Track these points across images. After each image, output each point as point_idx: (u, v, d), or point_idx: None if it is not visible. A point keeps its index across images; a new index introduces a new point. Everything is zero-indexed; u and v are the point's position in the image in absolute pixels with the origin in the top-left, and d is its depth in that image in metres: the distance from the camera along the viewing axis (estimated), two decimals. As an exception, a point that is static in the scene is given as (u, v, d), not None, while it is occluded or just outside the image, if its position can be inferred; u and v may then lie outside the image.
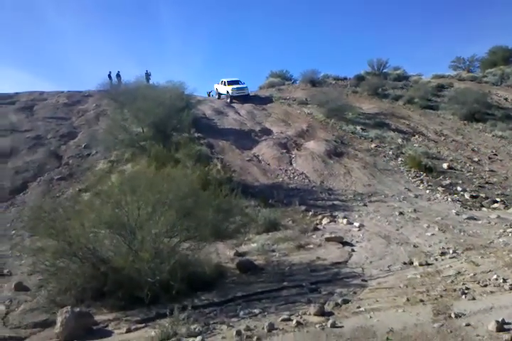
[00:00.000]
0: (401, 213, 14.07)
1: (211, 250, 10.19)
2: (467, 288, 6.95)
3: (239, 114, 29.91)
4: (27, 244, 12.07)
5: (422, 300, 6.58)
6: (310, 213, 14.84)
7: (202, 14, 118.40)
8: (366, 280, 8.25)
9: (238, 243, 11.56)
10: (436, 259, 9.32)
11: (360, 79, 39.94)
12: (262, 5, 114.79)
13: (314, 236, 12.16)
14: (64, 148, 23.64)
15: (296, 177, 19.50)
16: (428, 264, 8.95)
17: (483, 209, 14.96)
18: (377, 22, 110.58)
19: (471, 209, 14.78)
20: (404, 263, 9.23)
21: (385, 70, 42.25)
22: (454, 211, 14.16)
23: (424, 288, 7.24)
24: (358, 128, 26.78)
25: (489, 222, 12.55)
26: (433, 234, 11.42)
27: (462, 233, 11.41)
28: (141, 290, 7.85)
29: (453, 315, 5.88)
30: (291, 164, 21.36)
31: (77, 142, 24.38)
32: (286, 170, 20.36)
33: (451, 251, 9.73)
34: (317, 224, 13.58)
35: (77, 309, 7.17)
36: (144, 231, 8.68)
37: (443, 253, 9.68)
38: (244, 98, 32.35)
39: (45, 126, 26.16)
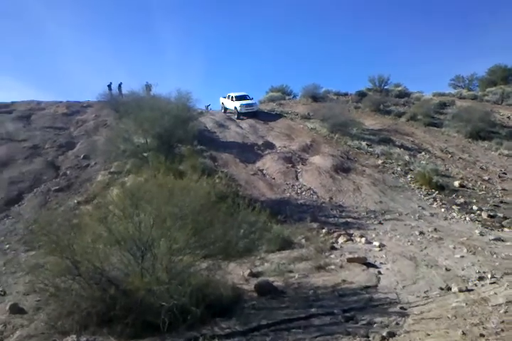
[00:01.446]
0: (421, 233, 13.34)
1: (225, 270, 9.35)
2: (528, 320, 6.19)
3: (241, 127, 29.34)
4: (22, 259, 11.19)
5: (482, 335, 5.79)
6: (323, 231, 14.07)
7: (200, 26, 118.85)
8: (405, 309, 7.44)
9: (250, 262, 10.74)
10: (476, 285, 8.55)
11: (361, 95, 39.81)
12: (262, 18, 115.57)
13: (333, 256, 11.35)
14: (62, 158, 22.76)
15: (303, 193, 18.77)
16: (468, 290, 8.19)
17: (505, 229, 14.29)
18: (377, 39, 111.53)
19: (492, 230, 14.10)
20: (441, 289, 8.45)
21: (386, 87, 42.11)
22: (477, 231, 13.46)
23: (477, 320, 6.46)
24: (363, 143, 26.26)
25: (518, 244, 11.88)
26: (463, 256, 10.67)
27: (494, 255, 10.68)
28: (154, 316, 7.01)
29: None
30: (297, 179, 20.67)
31: (76, 152, 23.52)
32: (292, 185, 19.65)
33: (489, 276, 8.97)
34: (333, 243, 12.79)
35: (84, 339, 6.28)
36: (158, 249, 7.86)
37: (481, 278, 8.92)
38: (252, 114, 30.95)
39: (42, 135, 25.31)
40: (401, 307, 7.50)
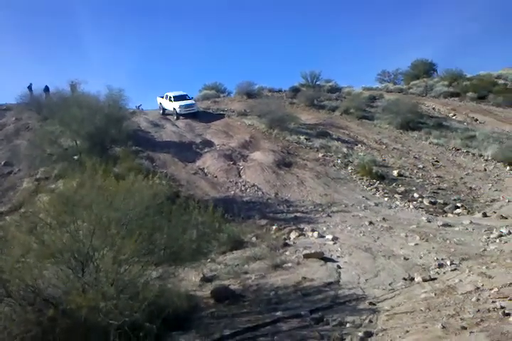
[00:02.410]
0: (371, 223, 13.27)
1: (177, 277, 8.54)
2: (502, 307, 6.01)
3: (177, 126, 28.26)
4: None
5: (464, 328, 5.51)
6: (273, 227, 13.61)
7: (128, 25, 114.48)
8: (375, 304, 7.10)
9: (201, 266, 9.99)
10: (438, 273, 8.44)
11: (295, 90, 40.03)
12: (193, 15, 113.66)
13: (288, 253, 10.89)
14: (-21, 166, 20.51)
15: (248, 190, 18.24)
16: (432, 279, 8.04)
17: (449, 215, 14.63)
18: (306, 36, 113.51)
19: (437, 216, 14.38)
20: (405, 279, 8.25)
21: (318, 82, 42.66)
22: (423, 218, 13.64)
23: (452, 310, 6.22)
24: (302, 138, 26.24)
25: (466, 229, 12.08)
26: (417, 244, 10.64)
27: (448, 241, 10.75)
28: (102, 337, 6.10)
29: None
30: (240, 176, 20.10)
31: (-5, 159, 21.32)
32: (236, 183, 19.05)
33: (448, 263, 8.93)
34: (285, 239, 12.36)
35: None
36: (102, 260, 6.92)
37: (440, 266, 8.85)
38: (192, 115, 29.16)
39: (-47, 142, 22.75)
40: (370, 303, 7.15)
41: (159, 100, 31.28)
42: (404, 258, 9.57)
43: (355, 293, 7.77)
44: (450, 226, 12.52)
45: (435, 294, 7.10)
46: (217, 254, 11.28)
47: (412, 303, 6.77)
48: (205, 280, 9.67)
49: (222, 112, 31.68)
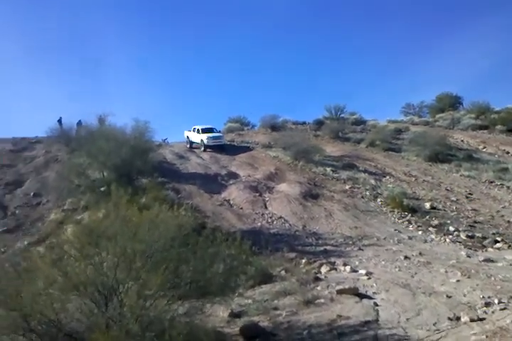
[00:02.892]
0: (406, 257, 12.62)
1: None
2: None
3: (202, 158, 28.42)
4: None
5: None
6: (303, 261, 13.09)
7: (152, 60, 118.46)
8: (420, 346, 6.50)
9: (229, 300, 9.52)
10: (486, 312, 7.77)
11: (319, 123, 40.26)
12: (217, 48, 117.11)
13: (319, 288, 10.33)
14: (9, 197, 20.81)
15: (275, 222, 17.84)
16: (481, 319, 7.38)
17: (489, 249, 13.85)
18: (329, 69, 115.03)
19: (476, 250, 13.63)
20: (450, 319, 7.59)
21: (342, 115, 42.86)
22: (462, 253, 12.92)
23: (510, 355, 5.60)
24: (328, 169, 25.95)
25: (511, 264, 11.33)
26: (459, 281, 9.95)
27: (492, 278, 10.03)
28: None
29: None
30: (266, 208, 19.77)
31: (25, 190, 21.64)
32: (262, 214, 18.70)
33: (496, 301, 8.24)
34: (316, 273, 11.79)
35: None
36: (126, 294, 6.60)
37: (488, 304, 8.16)
38: (220, 148, 29.49)
39: (-13, 174, 23.28)
40: (415, 345, 6.56)
41: (186, 133, 31.60)
42: (447, 296, 8.89)
43: (396, 333, 7.17)
44: (492, 261, 11.77)
45: (486, 336, 6.46)
46: (244, 289, 10.81)
47: (462, 346, 6.17)
48: (234, 315, 9.18)
49: (246, 144, 31.74)
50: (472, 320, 7.34)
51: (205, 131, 30.02)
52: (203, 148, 29.40)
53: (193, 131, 30.72)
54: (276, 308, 9.33)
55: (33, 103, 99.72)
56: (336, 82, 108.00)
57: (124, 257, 7.09)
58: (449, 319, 7.62)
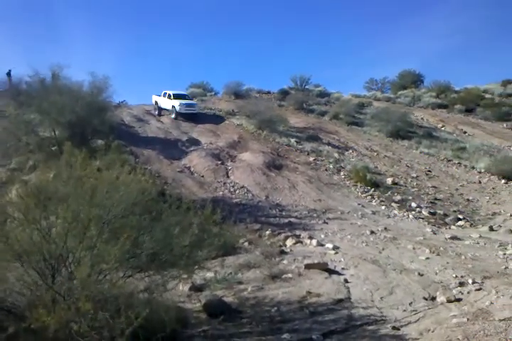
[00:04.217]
0: (372, 232, 12.38)
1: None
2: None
3: (162, 122, 27.03)
4: None
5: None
6: (267, 232, 12.59)
7: (114, 22, 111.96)
8: (398, 328, 6.12)
9: (189, 272, 8.86)
10: (461, 292, 7.53)
11: (284, 93, 39.41)
12: (181, 12, 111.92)
13: (285, 262, 9.87)
14: None
15: (237, 191, 17.18)
16: (458, 300, 7.12)
17: (452, 227, 13.87)
18: (295, 38, 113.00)
19: (440, 228, 13.60)
20: (426, 299, 7.31)
21: (307, 86, 42.21)
22: (428, 230, 12.83)
23: (497, 341, 5.29)
24: (292, 140, 25.41)
25: (477, 243, 11.29)
26: (428, 258, 9.75)
27: (462, 256, 9.89)
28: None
29: None
30: (228, 176, 19.04)
31: (-35, 147, 19.69)
32: (224, 183, 17.98)
33: (470, 281, 8.03)
34: (281, 246, 11.34)
35: None
36: (77, 266, 5.77)
37: (462, 284, 7.95)
38: (192, 116, 27.03)
39: None
40: (393, 327, 6.17)
41: (155, 98, 29.18)
42: (419, 274, 8.64)
43: (371, 313, 6.79)
44: (459, 239, 11.71)
45: (468, 319, 6.16)
46: (205, 260, 10.20)
47: (444, 330, 5.82)
48: (195, 289, 8.57)
49: (211, 111, 30.50)
50: (449, 301, 7.08)
51: (177, 96, 27.55)
52: (173, 115, 27.06)
53: (163, 96, 28.22)
54: (240, 282, 8.79)
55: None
56: (301, 53, 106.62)
57: (76, 223, 6.22)
58: (425, 299, 7.34)
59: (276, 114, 28.57)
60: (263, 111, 27.80)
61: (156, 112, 28.48)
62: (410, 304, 7.14)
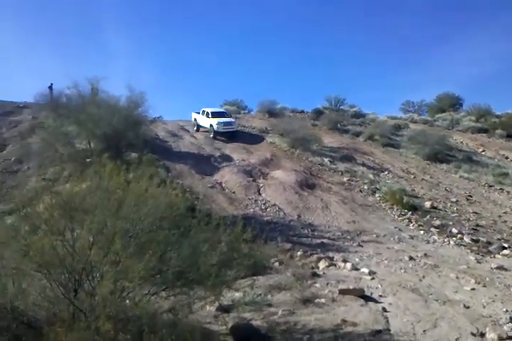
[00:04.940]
0: (411, 258, 11.67)
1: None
2: None
3: (195, 137, 27.17)
4: None
5: None
6: (299, 253, 12.10)
7: (150, 40, 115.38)
8: (446, 367, 5.50)
9: (217, 294, 8.44)
10: (514, 329, 6.80)
11: (318, 113, 39.14)
12: (216, 32, 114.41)
13: (318, 286, 9.32)
14: (-11, 162, 19.43)
15: (268, 209, 16.80)
16: (510, 337, 6.42)
17: (498, 256, 12.97)
18: (332, 58, 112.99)
19: (484, 256, 12.71)
20: (473, 335, 6.63)
21: (341, 107, 41.93)
22: (471, 258, 12.01)
23: None
24: (326, 160, 24.97)
25: (527, 275, 10.44)
26: (473, 289, 9.02)
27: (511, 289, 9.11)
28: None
29: None
30: (259, 194, 18.71)
31: (6, 155, 20.23)
32: (255, 200, 17.65)
33: (523, 317, 7.28)
34: (313, 268, 10.81)
35: None
36: (99, 282, 5.48)
37: (513, 319, 7.21)
38: (231, 135, 26.60)
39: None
40: (440, 366, 5.56)
41: (194, 116, 29.15)
42: (465, 306, 7.93)
43: (414, 348, 6.18)
44: (506, 270, 10.85)
45: (525, 361, 5.51)
46: (234, 279, 9.78)
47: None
48: (222, 310, 8.14)
49: (242, 128, 30.39)
50: (501, 338, 6.39)
51: (215, 115, 27.12)
52: (212, 135, 26.61)
53: (202, 113, 28.00)
54: (270, 305, 8.31)
55: (26, 67, 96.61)
56: (337, 74, 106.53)
57: (101, 235, 5.98)
58: (473, 334, 6.65)
59: (309, 133, 28.27)
60: (297, 129, 27.58)
61: (195, 128, 28.51)
62: (457, 340, 6.48)
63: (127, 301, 5.36)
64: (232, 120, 27.79)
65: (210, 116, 27.08)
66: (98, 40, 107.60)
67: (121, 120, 15.79)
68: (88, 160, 16.36)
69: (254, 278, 9.99)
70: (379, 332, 6.80)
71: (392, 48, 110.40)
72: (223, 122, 26.40)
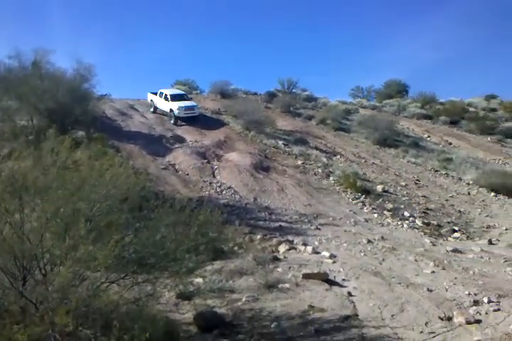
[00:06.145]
0: (369, 241, 11.73)
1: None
2: None
3: (145, 117, 25.98)
4: None
5: None
6: (258, 237, 11.81)
7: (98, 17, 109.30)
8: (421, 353, 5.41)
9: (176, 278, 7.99)
10: (479, 313, 6.88)
11: (271, 95, 38.71)
12: (170, 11, 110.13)
13: (280, 270, 9.10)
14: None
15: (224, 192, 16.38)
16: (477, 321, 6.46)
17: (450, 239, 13.35)
18: (282, 41, 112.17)
19: (437, 239, 13.04)
20: (441, 319, 6.62)
21: (294, 90, 41.70)
22: (427, 241, 12.25)
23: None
24: (280, 143, 24.75)
25: (481, 257, 10.72)
26: (434, 272, 9.13)
27: (470, 272, 9.29)
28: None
29: None
30: (214, 176, 18.22)
31: None
32: (210, 183, 17.15)
33: (485, 300, 7.40)
34: (274, 252, 10.57)
35: None
36: (54, 271, 4.89)
37: (477, 303, 7.32)
38: (192, 119, 24.69)
39: None
40: (414, 352, 5.46)
41: (150, 97, 27.05)
42: (428, 290, 7.98)
43: (385, 334, 6.07)
44: (461, 252, 11.15)
45: (497, 345, 5.52)
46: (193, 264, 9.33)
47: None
48: (183, 297, 7.70)
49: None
50: (468, 322, 6.43)
51: (174, 98, 25.03)
52: (173, 121, 24.53)
53: (160, 95, 25.80)
54: (232, 291, 7.98)
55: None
56: (288, 57, 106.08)
57: (57, 218, 5.37)
58: (440, 319, 6.66)
59: (263, 115, 27.89)
60: (251, 111, 27.02)
61: (151, 109, 26.65)
62: (426, 324, 6.46)
63: (87, 291, 4.78)
64: (194, 104, 25.96)
65: (169, 99, 25.09)
66: (42, 12, 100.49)
67: (66, 93, 14.52)
68: (30, 137, 15.14)
69: (214, 262, 9.60)
70: (347, 317, 6.67)
71: (345, 32, 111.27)
72: (184, 106, 24.53)
